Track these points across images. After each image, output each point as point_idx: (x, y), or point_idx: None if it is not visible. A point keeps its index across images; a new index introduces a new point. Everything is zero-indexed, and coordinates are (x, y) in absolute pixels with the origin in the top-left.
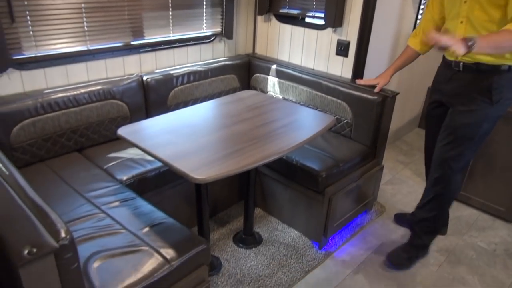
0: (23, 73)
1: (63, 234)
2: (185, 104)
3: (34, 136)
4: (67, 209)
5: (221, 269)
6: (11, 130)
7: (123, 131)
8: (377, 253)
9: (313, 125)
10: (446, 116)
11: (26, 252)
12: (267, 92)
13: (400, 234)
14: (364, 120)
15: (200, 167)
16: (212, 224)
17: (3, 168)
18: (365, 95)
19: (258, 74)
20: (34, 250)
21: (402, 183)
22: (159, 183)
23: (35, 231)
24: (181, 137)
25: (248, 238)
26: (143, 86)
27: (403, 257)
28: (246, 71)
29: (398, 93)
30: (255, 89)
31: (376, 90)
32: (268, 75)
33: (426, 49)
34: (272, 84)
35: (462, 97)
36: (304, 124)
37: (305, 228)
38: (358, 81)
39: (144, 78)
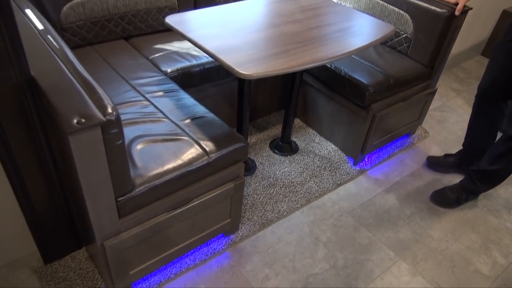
0: None
1: (109, 110)
2: None
3: (82, 18)
4: (113, 93)
5: (255, 171)
6: (61, 8)
7: (170, 19)
8: (412, 176)
9: (370, 33)
10: None
11: (75, 121)
12: None
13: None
14: (426, 35)
15: (247, 63)
16: (250, 129)
17: (54, 42)
18: (432, 7)
19: None
20: (83, 120)
21: (452, 112)
22: (203, 80)
23: (84, 103)
24: (229, 31)
25: (284, 146)
26: None
27: (450, 198)
28: None
29: (471, 8)
30: None
31: (458, 7)
32: None
33: None
34: None
35: None
36: (360, 31)
37: (343, 143)
38: None
39: None
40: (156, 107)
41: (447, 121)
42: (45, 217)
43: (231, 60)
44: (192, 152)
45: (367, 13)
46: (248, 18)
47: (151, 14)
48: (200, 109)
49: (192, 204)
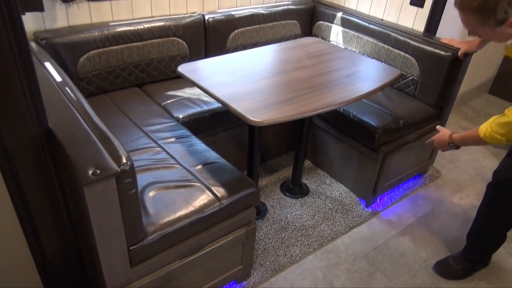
0: (91, 4)
1: (124, 160)
2: (244, 47)
3: (98, 68)
4: (126, 140)
5: (266, 214)
6: (78, 59)
7: (183, 68)
8: (426, 217)
9: (377, 77)
10: None
11: (90, 172)
12: (329, 41)
13: (453, 202)
14: (432, 78)
15: (257, 110)
16: (260, 171)
17: (71, 94)
18: (437, 51)
19: (321, 22)
20: (98, 171)
21: (463, 150)
22: (214, 125)
23: (99, 154)
24: (239, 78)
25: (295, 188)
26: (204, 26)
27: (455, 268)
28: (309, 18)
29: (475, 51)
30: (317, 37)
31: (459, 53)
32: (333, 23)
33: None
34: (336, 33)
35: None
36: (367, 75)
37: (354, 184)
38: (443, 40)
39: (206, 17)
40: (168, 153)
41: (459, 160)
42: (56, 265)
43: (242, 107)
44: (204, 198)
45: (373, 58)
46: (257, 66)
47: (163, 63)
48: (212, 155)
49: (204, 251)
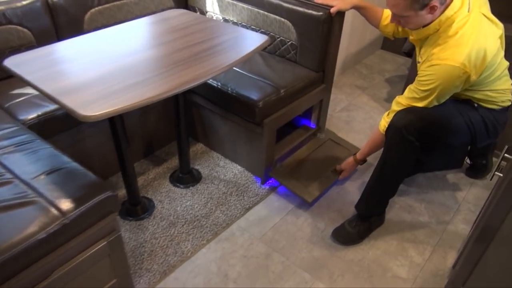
0: None
1: None
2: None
3: None
4: None
5: (153, 212)
6: None
7: (11, 61)
8: None
9: (242, 46)
10: None
11: None
12: (207, 12)
13: None
14: (309, 40)
15: (93, 102)
16: (147, 163)
17: None
18: (309, 11)
19: None
20: None
21: (358, 109)
22: (71, 123)
23: None
24: (81, 66)
25: (185, 177)
26: (48, 8)
27: (351, 233)
28: None
29: (347, 9)
30: (193, 9)
31: (332, 10)
32: None
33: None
34: (211, 2)
35: None
36: (231, 46)
37: (248, 162)
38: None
39: None
40: (3, 166)
41: (355, 120)
42: None
43: (73, 101)
44: (43, 216)
45: (251, 26)
46: (107, 47)
47: (3, 56)
48: (60, 160)
49: (56, 276)
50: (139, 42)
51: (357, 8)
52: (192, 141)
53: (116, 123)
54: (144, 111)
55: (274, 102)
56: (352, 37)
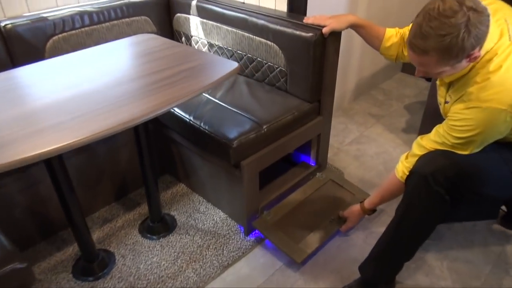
0: None
1: None
2: None
3: None
4: None
5: (111, 270)
6: None
7: None
8: None
9: (209, 74)
10: None
11: None
12: (192, 37)
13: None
14: (300, 66)
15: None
16: (118, 208)
17: None
18: (297, 32)
19: (179, 14)
20: None
21: (371, 142)
22: None
23: None
24: (5, 103)
25: (155, 226)
26: (2, 36)
27: None
28: (166, 10)
29: (344, 29)
30: (178, 34)
31: (324, 30)
32: (189, 14)
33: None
34: (195, 25)
35: None
36: (197, 73)
37: (231, 209)
38: (306, 20)
39: (2, 24)
40: None
41: (365, 154)
42: None
43: None
44: None
45: (236, 50)
46: (47, 79)
47: None
48: None
49: None
50: (85, 72)
51: (354, 27)
52: (174, 181)
53: (54, 167)
54: (112, 148)
55: (253, 141)
56: (363, 59)
